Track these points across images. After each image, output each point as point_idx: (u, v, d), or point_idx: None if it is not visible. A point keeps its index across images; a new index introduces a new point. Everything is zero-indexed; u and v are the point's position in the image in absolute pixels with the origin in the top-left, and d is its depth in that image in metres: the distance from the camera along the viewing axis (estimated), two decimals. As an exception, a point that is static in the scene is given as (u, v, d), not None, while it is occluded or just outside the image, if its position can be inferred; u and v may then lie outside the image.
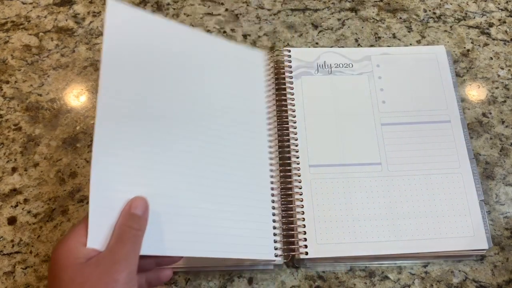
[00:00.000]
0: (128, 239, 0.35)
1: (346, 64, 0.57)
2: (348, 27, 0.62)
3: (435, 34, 0.61)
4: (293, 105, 0.53)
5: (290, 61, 0.56)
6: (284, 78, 0.55)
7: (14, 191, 0.51)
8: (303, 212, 0.48)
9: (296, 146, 0.52)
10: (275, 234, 0.47)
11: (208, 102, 0.49)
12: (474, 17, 0.63)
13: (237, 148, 0.49)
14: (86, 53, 0.59)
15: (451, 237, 0.48)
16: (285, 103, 0.53)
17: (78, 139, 0.54)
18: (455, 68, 0.59)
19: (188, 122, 0.46)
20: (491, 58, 0.60)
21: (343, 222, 0.48)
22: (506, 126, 0.56)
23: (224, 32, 0.61)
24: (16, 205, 0.50)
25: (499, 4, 0.64)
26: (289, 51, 0.57)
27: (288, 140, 0.52)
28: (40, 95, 0.56)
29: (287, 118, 0.53)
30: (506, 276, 0.48)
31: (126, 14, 0.45)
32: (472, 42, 0.61)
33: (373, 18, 0.62)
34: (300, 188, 0.50)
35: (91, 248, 0.35)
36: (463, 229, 0.48)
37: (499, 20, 0.63)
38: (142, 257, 0.37)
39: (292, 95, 0.54)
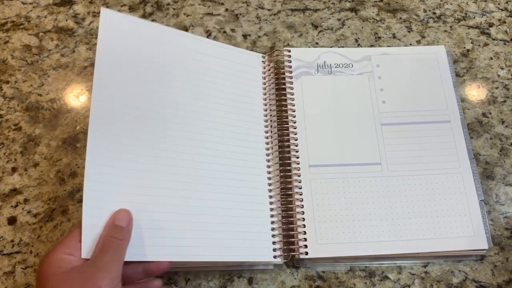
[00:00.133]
0: (111, 248, 0.37)
1: (346, 64, 0.57)
2: (348, 27, 0.62)
3: (435, 34, 0.61)
4: (293, 105, 0.53)
5: (290, 61, 0.56)
6: (284, 78, 0.55)
7: (14, 191, 0.51)
8: (303, 212, 0.48)
9: (296, 146, 0.52)
10: (273, 236, 0.47)
11: (203, 107, 0.49)
12: (474, 17, 0.63)
13: (233, 152, 0.49)
14: (86, 53, 0.59)
15: (451, 237, 0.48)
16: (285, 103, 0.53)
17: (78, 139, 0.54)
18: (455, 68, 0.59)
19: (184, 126, 0.46)
20: (491, 58, 0.60)
21: (343, 222, 0.48)
22: (506, 126, 0.56)
23: (224, 32, 0.61)
24: (16, 205, 0.50)
25: (499, 4, 0.64)
26: (289, 51, 0.57)
27: (288, 140, 0.52)
28: (40, 95, 0.56)
29: (287, 118, 0.53)
30: (506, 276, 0.48)
31: (119, 21, 0.45)
32: (472, 42, 0.61)
33: (373, 18, 0.62)
34: (300, 188, 0.50)
35: (74, 258, 0.36)
36: (463, 229, 0.48)
37: (499, 20, 0.63)
38: (129, 266, 0.39)
39: (292, 95, 0.54)
